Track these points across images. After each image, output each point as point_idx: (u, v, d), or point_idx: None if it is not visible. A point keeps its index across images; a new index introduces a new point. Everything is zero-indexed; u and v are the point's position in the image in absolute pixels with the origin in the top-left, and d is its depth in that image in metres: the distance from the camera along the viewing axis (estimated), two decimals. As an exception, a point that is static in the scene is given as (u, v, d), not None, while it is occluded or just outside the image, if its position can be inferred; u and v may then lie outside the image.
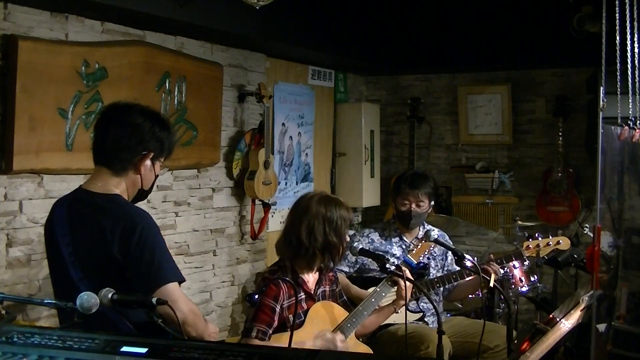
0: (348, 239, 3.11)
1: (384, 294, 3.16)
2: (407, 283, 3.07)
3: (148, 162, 2.45)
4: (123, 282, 2.27)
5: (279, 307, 2.88)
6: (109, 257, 2.29)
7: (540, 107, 6.19)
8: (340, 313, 3.09)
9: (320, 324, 2.99)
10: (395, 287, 3.14)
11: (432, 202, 3.98)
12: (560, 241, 3.98)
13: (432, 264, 3.95)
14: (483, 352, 3.54)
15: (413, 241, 3.89)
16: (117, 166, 2.41)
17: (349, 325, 3.03)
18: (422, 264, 3.64)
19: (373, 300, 3.13)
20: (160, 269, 2.29)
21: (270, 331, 2.85)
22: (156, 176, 2.53)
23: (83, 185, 2.48)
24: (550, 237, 4.02)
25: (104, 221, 2.32)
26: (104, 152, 2.43)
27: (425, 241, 3.56)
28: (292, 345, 2.63)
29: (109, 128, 2.42)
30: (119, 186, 2.42)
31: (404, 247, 3.93)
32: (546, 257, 4.20)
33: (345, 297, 3.29)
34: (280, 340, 2.83)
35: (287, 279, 2.92)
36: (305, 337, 2.92)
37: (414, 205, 3.85)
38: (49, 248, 2.49)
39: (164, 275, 2.30)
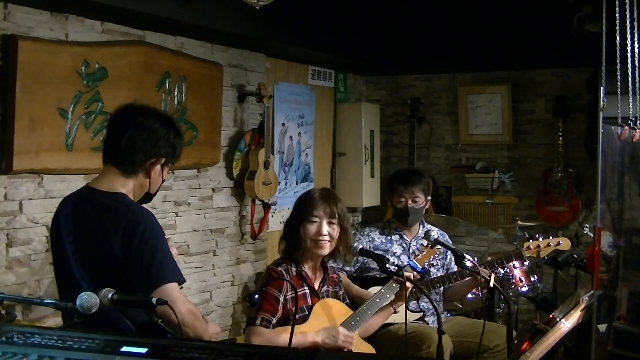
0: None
1: (388, 295, 3.16)
2: (410, 285, 3.08)
3: (158, 167, 2.47)
4: (124, 280, 2.27)
5: (282, 297, 2.91)
6: (110, 255, 2.30)
7: (540, 107, 6.19)
8: (345, 311, 3.11)
9: (324, 320, 3.00)
10: (398, 288, 3.15)
11: (429, 198, 4.00)
12: (561, 242, 3.98)
13: (433, 262, 3.95)
14: (483, 352, 3.54)
15: (418, 246, 3.89)
16: (128, 167, 2.42)
17: (352, 323, 3.04)
18: (425, 269, 3.66)
19: (377, 300, 3.14)
20: (160, 269, 2.29)
21: (274, 320, 2.87)
22: (163, 180, 2.55)
23: (90, 184, 2.49)
24: (551, 238, 4.02)
25: (107, 219, 2.33)
26: (117, 152, 2.43)
27: (430, 246, 3.55)
28: (295, 338, 2.66)
29: (125, 129, 2.42)
30: (125, 186, 2.43)
31: (404, 245, 3.94)
32: (546, 257, 4.20)
33: (348, 300, 3.30)
34: (284, 332, 2.84)
35: (291, 271, 2.98)
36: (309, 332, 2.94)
37: (409, 202, 3.87)
38: (54, 245, 2.50)
39: (164, 275, 2.30)
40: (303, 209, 3.04)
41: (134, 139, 2.40)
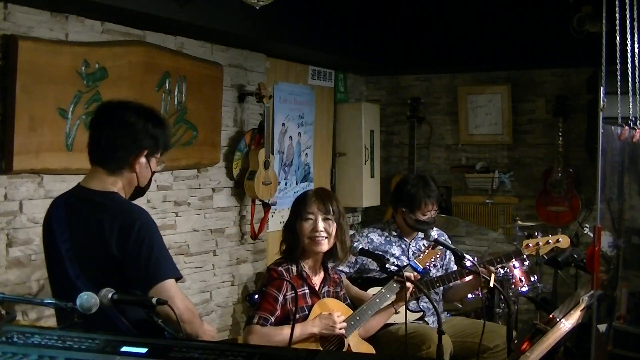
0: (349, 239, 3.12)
1: (388, 295, 3.16)
2: (410, 285, 3.08)
3: (143, 160, 2.45)
4: (120, 278, 2.28)
5: (281, 297, 2.91)
6: (106, 254, 2.30)
7: (540, 107, 6.19)
8: (344, 311, 3.11)
9: None
10: (399, 289, 3.15)
11: None
12: (560, 239, 3.97)
13: (434, 262, 3.94)
14: (482, 352, 3.54)
15: (417, 247, 3.88)
16: (113, 165, 2.42)
17: (352, 322, 3.05)
18: (426, 270, 3.65)
19: (378, 300, 3.14)
20: (158, 266, 2.31)
21: (272, 319, 2.87)
22: (153, 172, 2.53)
23: (81, 183, 2.49)
24: (550, 235, 4.01)
25: (102, 218, 2.33)
26: (98, 152, 2.43)
27: (431, 247, 3.55)
28: (295, 336, 2.67)
29: (103, 128, 2.42)
30: (115, 184, 2.44)
31: (403, 246, 3.93)
32: (546, 257, 4.19)
33: (349, 300, 3.29)
34: (281, 328, 2.85)
35: (292, 271, 2.98)
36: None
37: (432, 212, 3.87)
38: (47, 245, 2.50)
39: (162, 272, 2.31)
40: (298, 208, 3.05)
41: (111, 137, 2.40)
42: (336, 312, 2.96)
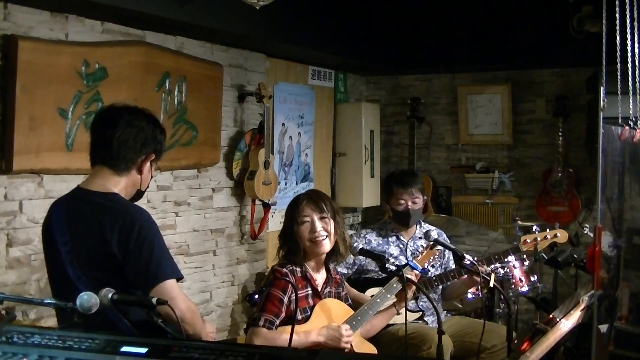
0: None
1: (389, 295, 3.15)
2: (412, 285, 3.08)
3: (148, 164, 2.51)
4: (121, 279, 2.28)
5: (286, 298, 2.90)
6: (107, 255, 2.31)
7: (540, 107, 6.19)
8: (345, 311, 3.11)
9: (325, 320, 3.00)
10: (399, 289, 3.14)
11: (425, 197, 4.00)
12: (558, 234, 3.94)
13: (432, 262, 3.94)
14: (480, 352, 3.53)
15: (416, 247, 3.89)
16: (122, 166, 2.45)
17: (354, 322, 3.04)
18: (425, 270, 3.65)
19: (379, 300, 3.13)
20: (159, 266, 2.31)
21: (277, 322, 2.86)
22: (151, 177, 2.59)
23: (81, 185, 2.50)
24: (548, 231, 3.98)
25: (102, 219, 2.34)
26: (108, 152, 2.45)
27: (429, 247, 3.55)
28: (297, 337, 2.68)
29: (115, 129, 2.44)
30: (117, 185, 2.46)
31: (401, 246, 3.93)
32: (545, 256, 4.18)
33: (350, 301, 3.29)
34: (286, 332, 2.83)
35: (296, 272, 2.97)
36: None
37: (410, 203, 3.86)
38: (47, 247, 2.51)
39: (163, 273, 2.31)
40: (292, 214, 3.05)
41: (125, 138, 2.44)
42: (345, 326, 2.95)
